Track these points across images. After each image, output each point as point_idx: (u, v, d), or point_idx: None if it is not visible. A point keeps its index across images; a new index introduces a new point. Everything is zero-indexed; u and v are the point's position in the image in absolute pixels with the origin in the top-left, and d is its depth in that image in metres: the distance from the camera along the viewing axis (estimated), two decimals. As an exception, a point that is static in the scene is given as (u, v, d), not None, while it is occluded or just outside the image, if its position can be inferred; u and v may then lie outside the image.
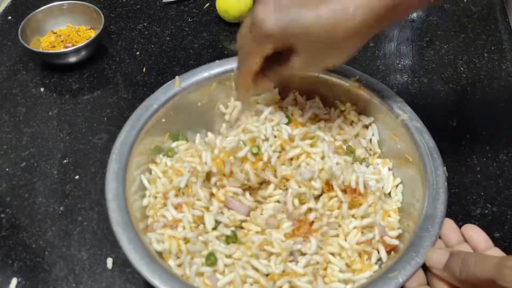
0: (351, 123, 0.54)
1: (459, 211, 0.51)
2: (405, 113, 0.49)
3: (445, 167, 0.45)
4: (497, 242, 0.49)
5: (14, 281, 0.48)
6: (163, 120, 0.52)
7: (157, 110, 0.51)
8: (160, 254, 0.44)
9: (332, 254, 0.44)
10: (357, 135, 0.53)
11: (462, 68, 0.68)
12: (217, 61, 0.55)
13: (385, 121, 0.52)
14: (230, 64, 0.54)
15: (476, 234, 0.42)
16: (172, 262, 0.43)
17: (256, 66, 0.45)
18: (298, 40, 0.41)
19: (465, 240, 0.42)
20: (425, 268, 0.40)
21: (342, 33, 0.39)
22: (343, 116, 0.53)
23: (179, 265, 0.43)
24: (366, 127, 0.53)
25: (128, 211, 0.43)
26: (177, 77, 0.53)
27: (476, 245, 0.41)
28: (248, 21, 0.42)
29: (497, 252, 0.41)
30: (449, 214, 0.51)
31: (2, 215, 0.53)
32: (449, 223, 0.43)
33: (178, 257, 0.44)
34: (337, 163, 0.46)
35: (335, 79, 0.53)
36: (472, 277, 0.36)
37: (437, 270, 0.38)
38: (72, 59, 0.68)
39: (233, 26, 0.76)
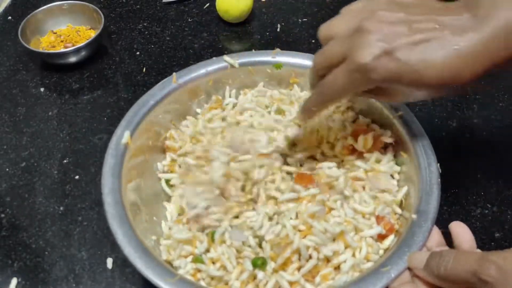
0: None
1: (459, 211, 0.51)
2: (400, 111, 0.49)
3: (438, 164, 0.45)
4: (497, 242, 0.49)
5: (14, 281, 0.48)
6: (160, 116, 0.52)
7: (154, 106, 0.51)
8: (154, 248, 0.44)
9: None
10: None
11: (462, 68, 0.68)
12: (214, 58, 0.56)
13: (381, 119, 0.52)
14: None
15: (464, 232, 0.41)
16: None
17: (344, 100, 0.43)
18: (402, 84, 0.37)
19: (446, 244, 0.42)
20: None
21: (464, 79, 0.35)
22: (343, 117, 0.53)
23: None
24: None
25: (124, 205, 0.43)
26: (174, 73, 0.54)
27: (460, 244, 0.40)
28: (348, 62, 0.37)
29: None
30: (449, 214, 0.51)
31: (2, 215, 0.53)
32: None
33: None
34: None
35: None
36: (451, 273, 0.35)
37: (418, 270, 0.38)
38: (72, 59, 0.68)
39: (233, 26, 0.76)
